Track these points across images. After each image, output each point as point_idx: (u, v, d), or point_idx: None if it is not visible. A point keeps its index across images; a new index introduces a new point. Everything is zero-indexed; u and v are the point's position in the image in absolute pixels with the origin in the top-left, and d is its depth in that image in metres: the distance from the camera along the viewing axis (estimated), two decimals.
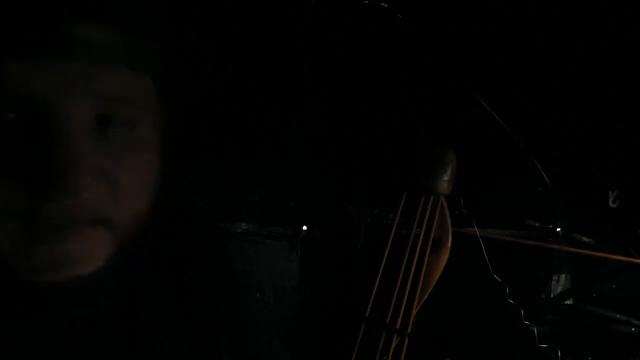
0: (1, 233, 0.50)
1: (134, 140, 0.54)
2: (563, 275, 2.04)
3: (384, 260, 1.65)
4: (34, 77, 0.47)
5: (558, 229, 2.02)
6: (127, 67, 0.52)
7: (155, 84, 0.56)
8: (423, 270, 1.60)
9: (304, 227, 2.06)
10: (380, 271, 1.64)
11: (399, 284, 1.60)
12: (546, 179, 1.89)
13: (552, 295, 2.04)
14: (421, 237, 1.61)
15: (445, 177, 1.63)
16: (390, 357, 1.57)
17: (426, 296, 1.62)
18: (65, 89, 0.48)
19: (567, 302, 2.05)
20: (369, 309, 1.63)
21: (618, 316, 2.01)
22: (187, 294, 0.67)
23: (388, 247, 1.66)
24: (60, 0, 0.47)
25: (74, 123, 0.49)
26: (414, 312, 1.60)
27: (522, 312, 1.88)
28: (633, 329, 2.00)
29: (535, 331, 1.89)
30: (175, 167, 0.59)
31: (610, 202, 1.93)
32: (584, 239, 2.01)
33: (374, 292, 1.63)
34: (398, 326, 1.59)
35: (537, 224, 2.04)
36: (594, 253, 1.96)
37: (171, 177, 0.59)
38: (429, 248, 1.61)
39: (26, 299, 0.55)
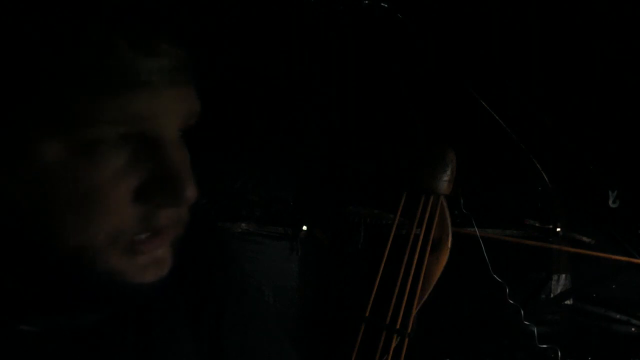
0: (116, 244, 0.53)
1: (185, 143, 0.59)
2: (563, 275, 2.05)
3: (384, 260, 1.65)
4: (138, 104, 0.51)
5: (558, 229, 2.02)
6: (190, 85, 0.57)
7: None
8: (423, 270, 1.60)
9: (304, 227, 2.06)
10: (380, 271, 1.64)
11: (399, 284, 1.60)
12: (546, 179, 1.89)
13: (552, 295, 2.04)
14: (421, 237, 1.61)
15: (445, 177, 1.63)
16: (390, 357, 1.57)
17: (426, 296, 1.62)
18: (164, 110, 0.53)
19: (567, 302, 2.05)
20: (369, 309, 1.63)
21: (618, 316, 2.01)
22: (194, 293, 0.68)
23: (388, 247, 1.66)
24: (56, 13, 0.50)
25: (175, 138, 0.55)
26: (414, 312, 1.60)
27: (522, 312, 1.88)
28: (633, 329, 2.00)
29: (535, 331, 1.89)
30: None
31: (610, 202, 1.93)
32: (584, 239, 2.01)
33: (374, 292, 1.64)
34: (398, 326, 1.59)
35: (537, 224, 2.04)
36: (594, 253, 1.96)
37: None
38: (429, 248, 1.61)
39: (35, 299, 0.56)
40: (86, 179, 0.51)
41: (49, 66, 0.48)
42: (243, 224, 2.00)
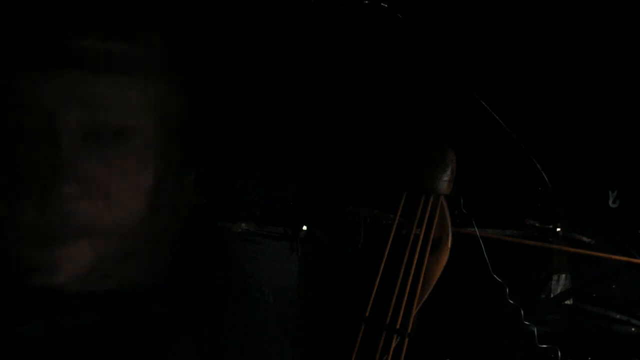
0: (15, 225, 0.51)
1: (128, 151, 0.55)
2: (563, 275, 2.04)
3: (384, 260, 1.65)
4: (29, 87, 0.48)
5: (558, 229, 2.02)
6: (118, 77, 0.52)
7: (153, 95, 0.56)
8: (423, 270, 1.60)
9: (304, 227, 2.06)
10: (381, 271, 1.64)
11: (399, 284, 1.60)
12: (546, 179, 1.89)
13: (552, 295, 2.04)
14: (421, 237, 1.61)
15: (445, 177, 1.63)
16: (390, 357, 1.57)
17: (426, 296, 1.62)
18: (56, 99, 0.49)
19: (567, 302, 2.05)
20: (369, 309, 1.63)
21: (618, 316, 2.01)
22: (194, 293, 0.67)
23: (388, 247, 1.65)
24: (56, 14, 0.48)
25: (63, 132, 0.50)
26: (414, 312, 1.60)
27: (522, 312, 1.88)
28: (633, 329, 2.00)
29: (535, 331, 1.89)
30: (177, 177, 0.59)
31: (610, 202, 1.93)
32: (584, 239, 2.01)
33: (374, 292, 1.63)
34: (398, 326, 1.59)
35: (537, 224, 2.04)
36: (594, 253, 1.96)
37: (174, 186, 0.59)
38: (429, 248, 1.61)
39: (35, 299, 0.56)
40: None
41: None
42: (243, 224, 2.00)
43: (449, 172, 1.63)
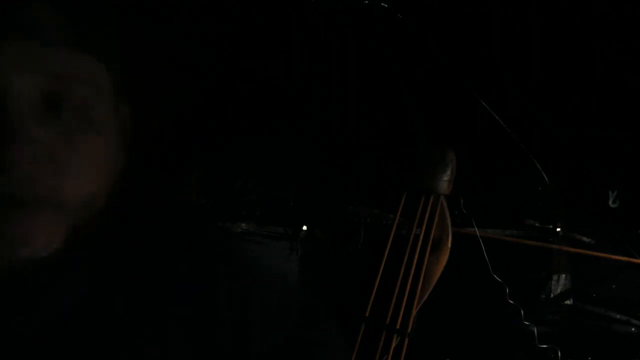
0: None
1: (89, 123, 0.55)
2: (563, 275, 2.04)
3: (384, 260, 1.65)
4: None
5: (558, 229, 2.02)
6: (74, 47, 0.53)
7: (112, 70, 0.56)
8: (423, 270, 1.60)
9: (304, 227, 2.06)
10: (380, 271, 1.64)
11: (399, 284, 1.60)
12: (546, 179, 1.89)
13: (552, 295, 2.04)
14: (421, 237, 1.61)
15: (445, 177, 1.63)
16: (390, 357, 1.57)
17: (426, 296, 1.62)
18: (11, 67, 0.49)
19: (567, 302, 2.05)
20: (369, 309, 1.63)
21: (618, 316, 2.01)
22: (191, 293, 0.67)
23: (388, 247, 1.66)
24: None
25: (19, 99, 0.50)
26: (414, 312, 1.60)
27: (522, 312, 1.88)
28: (633, 329, 2.00)
29: (535, 331, 1.89)
30: (145, 156, 0.59)
31: (610, 202, 1.93)
32: (584, 239, 2.01)
33: (374, 292, 1.64)
34: (398, 326, 1.59)
35: (537, 224, 2.04)
36: (594, 253, 1.96)
37: (141, 166, 0.58)
38: (429, 248, 1.61)
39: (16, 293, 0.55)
40: None
41: None
42: (243, 224, 2.00)
43: (449, 172, 1.63)
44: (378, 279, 1.64)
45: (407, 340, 1.58)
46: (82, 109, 0.54)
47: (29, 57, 0.50)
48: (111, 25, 0.54)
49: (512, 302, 1.87)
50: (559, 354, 1.90)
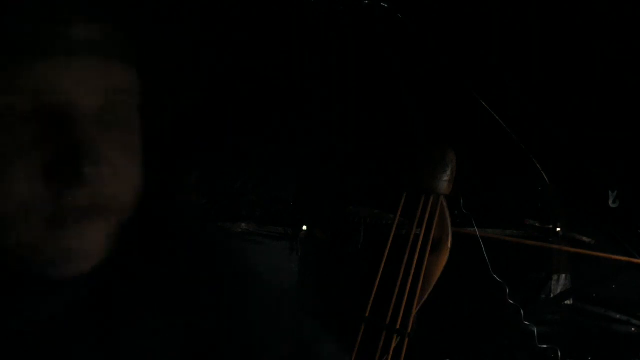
0: (22, 225, 0.51)
1: (132, 131, 0.57)
2: (563, 275, 2.04)
3: (384, 260, 1.65)
4: (48, 74, 0.49)
5: (558, 229, 2.02)
6: (121, 61, 0.54)
7: (139, 75, 0.58)
8: (423, 270, 1.60)
9: (304, 227, 2.06)
10: (381, 271, 1.64)
11: (399, 284, 1.60)
12: (546, 179, 1.89)
13: (552, 295, 2.04)
14: (421, 237, 1.61)
15: (445, 177, 1.63)
16: (390, 357, 1.57)
17: (426, 296, 1.62)
18: (75, 84, 0.51)
19: (567, 302, 2.05)
20: (369, 309, 1.63)
21: (618, 316, 2.01)
22: (191, 292, 0.67)
23: (388, 247, 1.65)
24: (66, 5, 0.49)
25: (83, 115, 0.52)
26: (414, 312, 1.60)
27: (522, 312, 1.88)
28: (633, 329, 2.00)
29: (535, 331, 1.89)
30: (162, 154, 0.61)
31: (610, 202, 1.93)
32: (584, 239, 2.01)
33: (374, 292, 1.63)
34: (398, 326, 1.59)
35: (537, 224, 2.04)
36: (594, 253, 1.96)
37: (157, 164, 0.60)
38: (429, 248, 1.61)
39: (11, 290, 0.56)
40: None
41: None
42: (243, 224, 2.00)
43: (449, 172, 1.63)
44: (378, 279, 1.64)
45: (407, 340, 1.58)
46: (128, 118, 0.57)
47: (91, 72, 0.52)
48: (133, 30, 0.56)
49: (512, 302, 1.87)
50: (559, 354, 1.90)
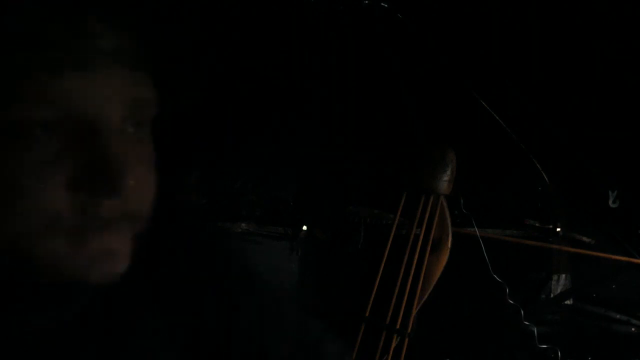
0: (51, 234, 0.51)
1: (143, 135, 0.57)
2: (563, 275, 2.04)
3: (384, 260, 1.65)
4: (76, 86, 0.50)
5: (558, 229, 2.02)
6: (144, 70, 0.55)
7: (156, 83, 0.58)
8: (423, 270, 1.60)
9: (304, 227, 2.06)
10: (381, 271, 1.64)
11: (399, 284, 1.60)
12: (546, 179, 1.89)
13: (552, 295, 2.04)
14: (421, 237, 1.61)
15: (445, 177, 1.63)
16: (390, 357, 1.57)
17: (426, 296, 1.62)
18: (102, 96, 0.51)
19: (567, 302, 2.05)
20: (369, 309, 1.63)
21: (618, 316, 2.01)
22: (191, 292, 0.68)
23: (388, 247, 1.66)
24: (92, 16, 0.49)
25: (110, 126, 0.52)
26: (414, 312, 1.60)
27: (522, 312, 1.88)
28: (633, 329, 2.00)
29: (535, 331, 1.89)
30: (162, 154, 0.61)
31: (610, 202, 1.93)
32: (584, 239, 2.01)
33: (374, 292, 1.63)
34: (398, 326, 1.59)
35: (537, 224, 2.04)
36: (594, 253, 1.96)
37: (157, 165, 0.60)
38: (429, 248, 1.61)
39: (20, 297, 0.56)
40: (16, 162, 0.49)
41: None
42: (243, 224, 2.00)
43: (449, 172, 1.63)
44: (378, 279, 1.64)
45: (407, 340, 1.58)
46: (148, 127, 0.58)
47: (117, 82, 0.52)
48: (139, 33, 0.56)
49: (512, 302, 1.87)
50: (559, 354, 1.90)
